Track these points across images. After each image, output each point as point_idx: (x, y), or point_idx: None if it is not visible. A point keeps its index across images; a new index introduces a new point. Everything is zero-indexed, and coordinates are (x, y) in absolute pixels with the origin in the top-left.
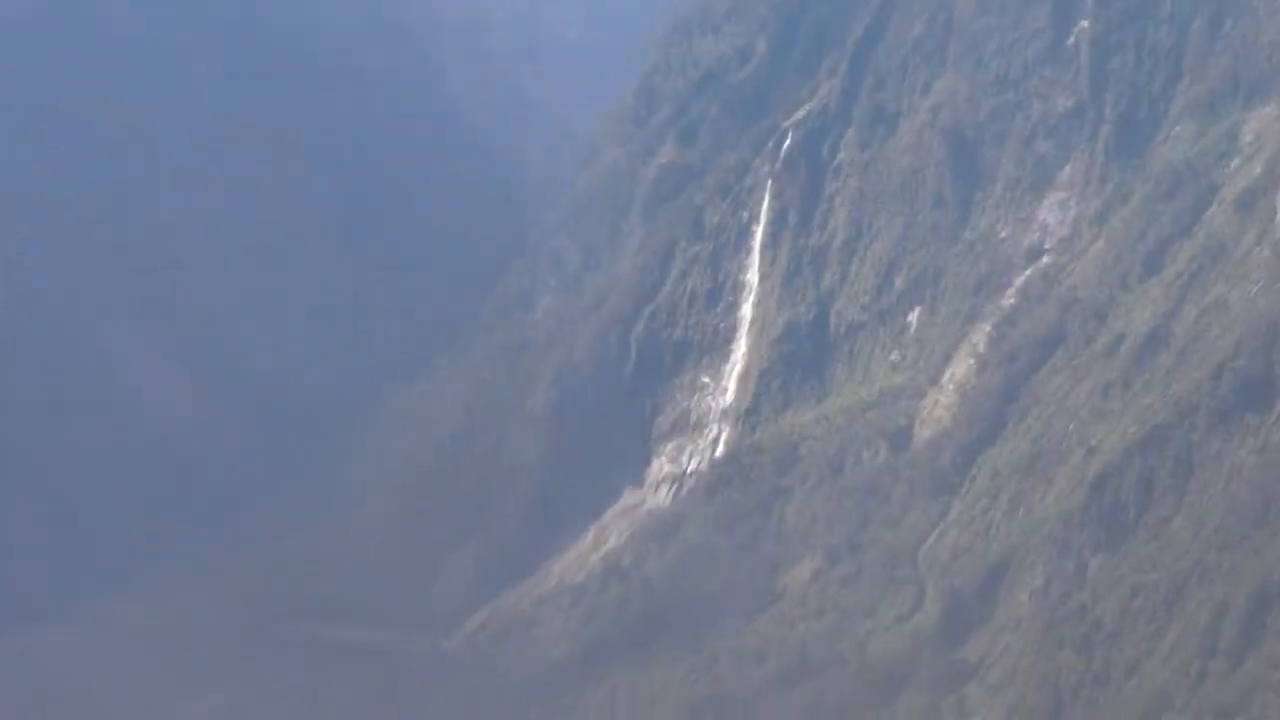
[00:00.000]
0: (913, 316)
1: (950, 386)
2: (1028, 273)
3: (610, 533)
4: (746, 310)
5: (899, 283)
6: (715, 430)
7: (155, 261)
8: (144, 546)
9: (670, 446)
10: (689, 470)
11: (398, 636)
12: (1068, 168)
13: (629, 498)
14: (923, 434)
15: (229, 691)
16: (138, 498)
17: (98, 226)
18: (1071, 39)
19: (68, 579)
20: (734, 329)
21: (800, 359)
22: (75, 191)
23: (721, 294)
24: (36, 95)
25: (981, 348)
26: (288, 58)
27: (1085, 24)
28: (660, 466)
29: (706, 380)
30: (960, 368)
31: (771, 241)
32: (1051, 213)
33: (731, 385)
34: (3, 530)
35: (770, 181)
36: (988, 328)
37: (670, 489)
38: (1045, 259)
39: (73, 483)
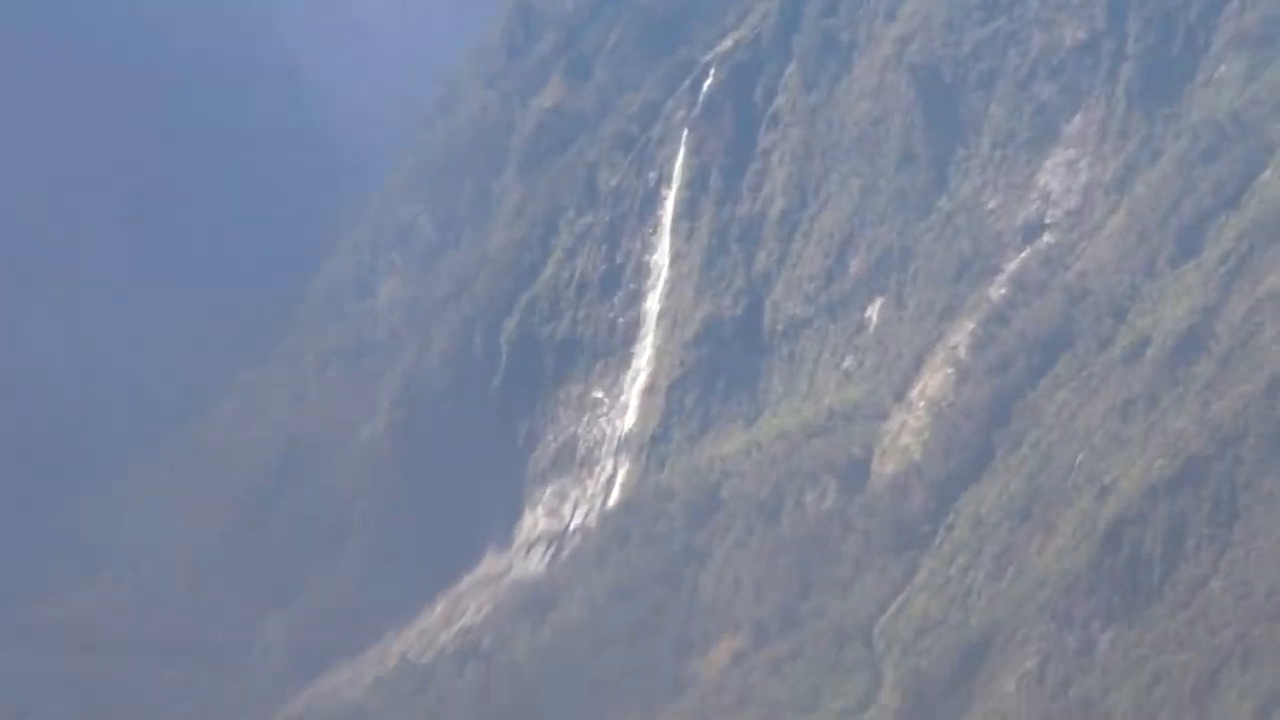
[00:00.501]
0: (872, 311)
1: (921, 405)
2: (1024, 255)
3: (468, 604)
4: (654, 302)
5: (855, 266)
6: (610, 467)
7: None
8: None
9: (549, 492)
10: (572, 526)
11: None
12: (1078, 118)
13: (493, 561)
14: (884, 469)
15: None
16: None
17: None
18: None
19: None
20: (637, 326)
21: (724, 367)
22: None
23: (621, 279)
24: None
25: (962, 353)
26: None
27: None
28: (535, 521)
29: (600, 396)
30: (934, 379)
31: (687, 211)
32: (1055, 177)
33: (633, 403)
34: None
35: (686, 132)
36: (971, 326)
37: (547, 551)
38: (1046, 237)
39: None
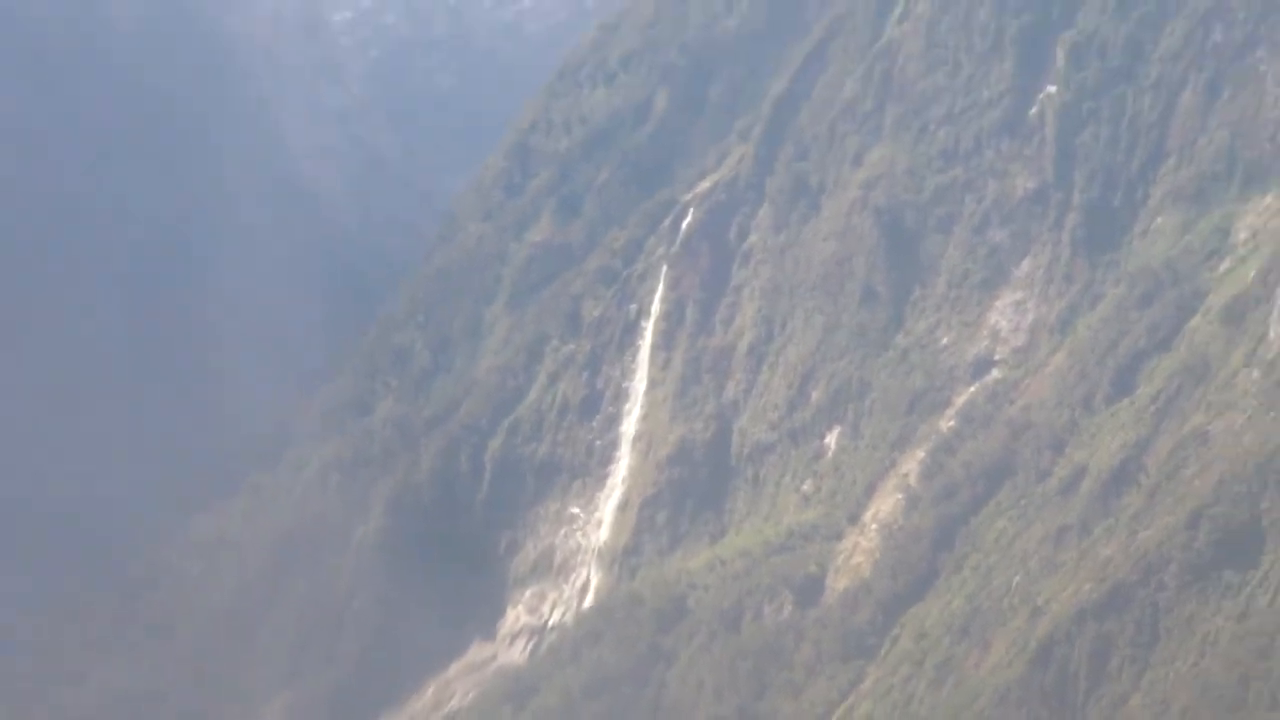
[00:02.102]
0: (831, 439)
1: (873, 527)
2: (972, 389)
3: (455, 690)
4: (630, 425)
5: (816, 396)
6: (585, 575)
7: None
8: None
9: (529, 593)
10: (550, 623)
11: None
12: (1026, 262)
13: (478, 651)
14: (837, 585)
15: None
16: None
17: None
18: (1035, 107)
19: None
20: (613, 448)
21: (694, 488)
22: None
23: (600, 404)
24: None
25: (912, 480)
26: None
27: (1052, 89)
28: (517, 617)
29: (577, 511)
30: (886, 504)
31: (664, 342)
32: (1004, 317)
33: (608, 518)
34: None
35: (665, 267)
36: (921, 455)
37: (528, 644)
38: (994, 373)
39: None
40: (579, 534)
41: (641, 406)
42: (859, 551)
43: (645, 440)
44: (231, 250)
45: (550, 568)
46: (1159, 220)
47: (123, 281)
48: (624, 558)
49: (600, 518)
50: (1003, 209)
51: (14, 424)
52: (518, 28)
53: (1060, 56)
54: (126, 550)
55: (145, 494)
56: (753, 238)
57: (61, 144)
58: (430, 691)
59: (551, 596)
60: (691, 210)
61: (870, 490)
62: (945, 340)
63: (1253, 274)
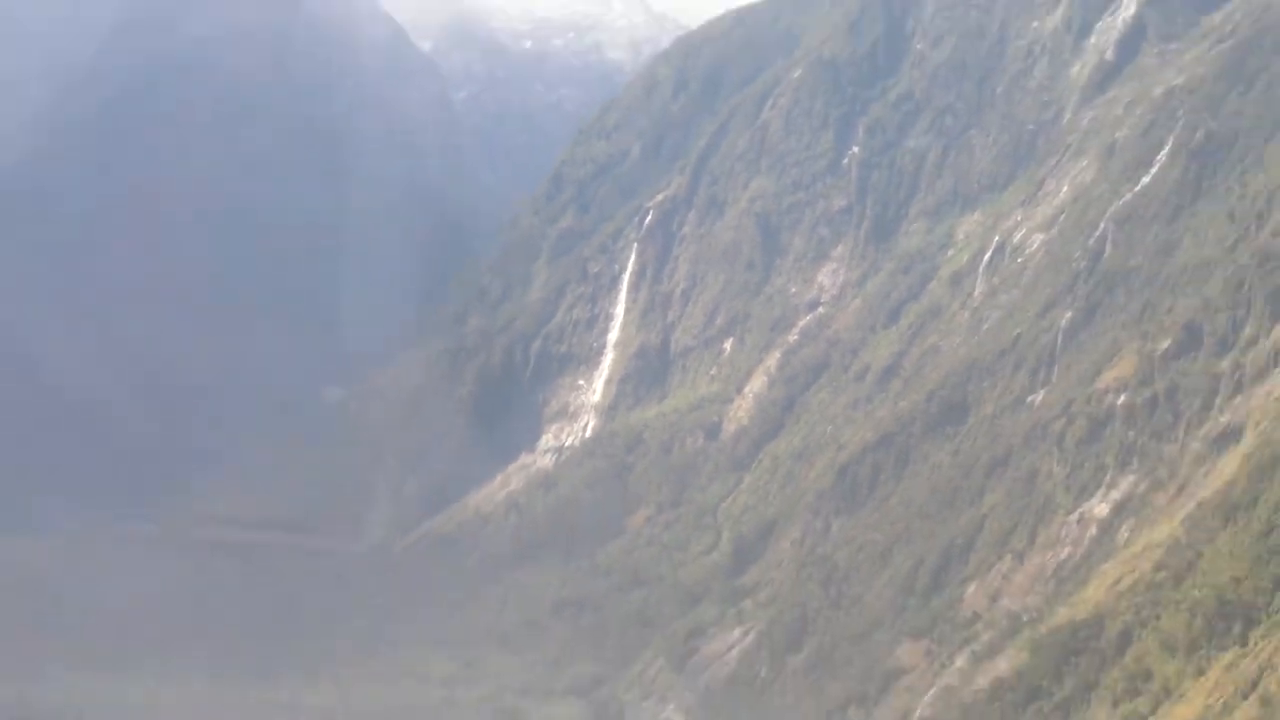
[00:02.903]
0: (727, 345)
1: (750, 395)
2: (807, 319)
3: (511, 481)
4: (613, 335)
5: (719, 321)
6: (586, 419)
7: None
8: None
9: (554, 427)
10: (565, 445)
11: (357, 544)
12: (839, 247)
13: (525, 459)
14: (729, 429)
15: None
16: None
17: None
18: (846, 160)
19: None
20: (603, 348)
21: (648, 372)
22: None
23: (596, 322)
24: None
25: (772, 369)
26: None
27: (855, 150)
28: (546, 441)
29: (582, 383)
30: (757, 383)
31: (634, 286)
32: (826, 278)
33: (599, 388)
34: None
35: (636, 244)
36: (777, 355)
37: (553, 456)
38: (820, 310)
39: None
40: (583, 396)
41: (620, 325)
42: (741, 410)
43: (622, 345)
44: (374, 213)
45: (566, 414)
46: (914, 226)
47: (302, 231)
48: (608, 410)
49: (596, 388)
50: (827, 217)
51: (233, 312)
52: (559, 104)
53: (860, 130)
54: (295, 401)
55: (300, 369)
56: (685, 229)
57: (256, 146)
58: (497, 480)
59: (567, 430)
60: (651, 212)
61: (748, 375)
62: (793, 290)
63: (966, 258)
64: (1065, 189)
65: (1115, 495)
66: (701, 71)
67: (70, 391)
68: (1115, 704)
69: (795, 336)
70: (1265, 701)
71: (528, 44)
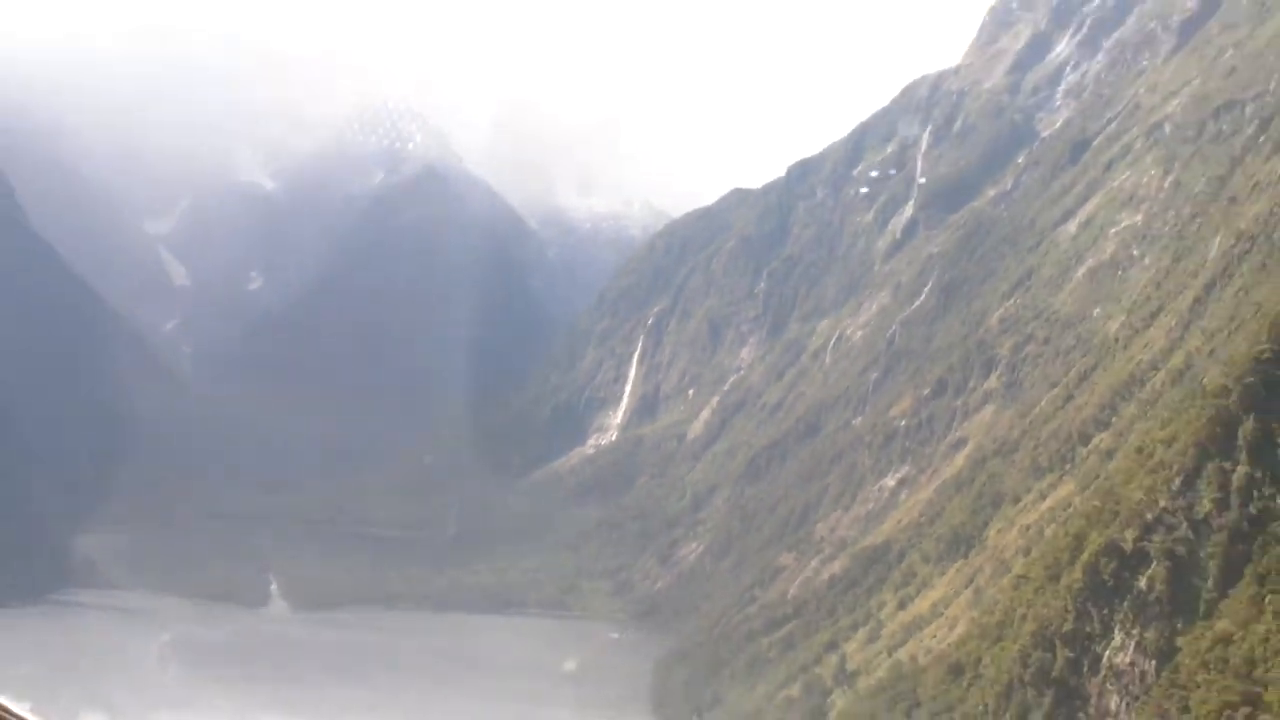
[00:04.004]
0: (690, 393)
1: (701, 421)
2: (733, 378)
3: (573, 460)
4: (628, 387)
5: (685, 380)
6: (612, 431)
7: None
8: None
9: (595, 435)
10: (602, 444)
11: (493, 482)
12: (752, 338)
13: (580, 450)
14: (690, 438)
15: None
16: None
17: None
18: (757, 290)
19: None
20: (622, 394)
21: (646, 408)
22: None
23: (619, 380)
24: None
25: (714, 406)
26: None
27: (762, 285)
28: (592, 440)
29: (610, 412)
30: (705, 414)
31: (640, 361)
32: (745, 355)
33: (620, 415)
34: None
35: (641, 337)
36: (717, 399)
37: (594, 449)
38: (740, 372)
39: None
40: (611, 419)
41: (631, 382)
42: (697, 428)
43: (632, 393)
44: (481, 328)
45: (603, 429)
46: (793, 326)
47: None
48: (624, 427)
49: (618, 415)
50: (746, 322)
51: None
52: (601, 259)
53: (764, 275)
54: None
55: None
56: (668, 327)
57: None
58: (566, 459)
59: (603, 437)
60: (649, 319)
61: (701, 409)
62: (727, 362)
63: (820, 343)
64: (875, 307)
65: (898, 476)
66: (680, 241)
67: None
68: (895, 590)
69: (727, 388)
70: (977, 590)
71: (587, 225)
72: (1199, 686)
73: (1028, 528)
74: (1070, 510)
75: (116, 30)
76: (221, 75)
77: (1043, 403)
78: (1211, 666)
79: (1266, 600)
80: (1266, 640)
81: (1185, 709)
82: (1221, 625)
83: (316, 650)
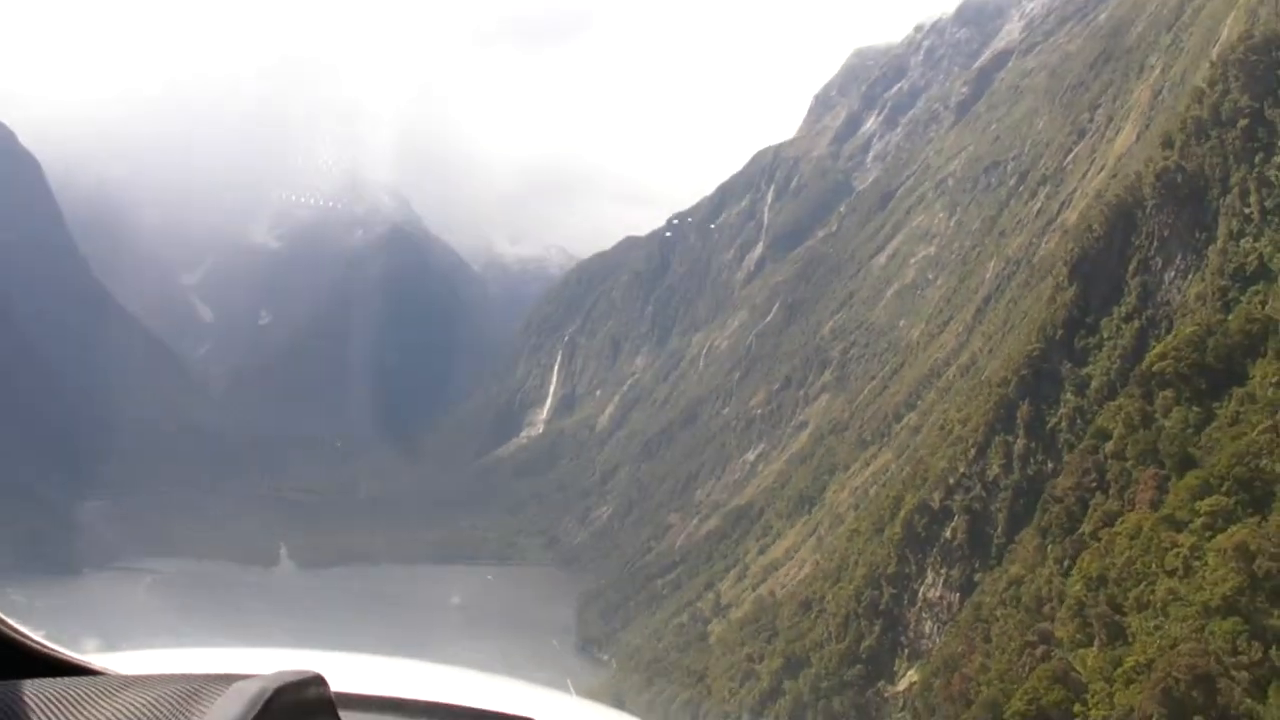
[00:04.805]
0: (597, 393)
1: (607, 415)
2: (629, 381)
3: (511, 446)
4: (551, 389)
5: (594, 384)
6: (540, 424)
7: None
8: None
9: (528, 428)
10: (534, 434)
11: (449, 466)
12: (643, 349)
13: (516, 439)
14: (599, 428)
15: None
16: None
17: None
18: (646, 312)
19: None
20: (546, 396)
21: (565, 406)
22: None
23: (544, 385)
24: None
25: (616, 402)
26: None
27: (650, 308)
28: (525, 432)
29: (537, 410)
30: (609, 409)
31: (560, 369)
32: (638, 363)
33: (545, 412)
34: None
35: (560, 351)
36: (618, 397)
37: (528, 438)
38: (635, 376)
39: None
40: (538, 415)
41: (553, 386)
42: (604, 420)
43: (554, 395)
44: (446, 347)
45: (533, 423)
46: (674, 340)
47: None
48: (549, 421)
49: (544, 412)
50: (637, 336)
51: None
52: (529, 293)
53: (652, 301)
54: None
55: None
56: (580, 342)
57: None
58: (506, 446)
59: (532, 430)
60: (566, 336)
61: (605, 406)
62: (624, 369)
63: (695, 352)
64: (736, 323)
65: (757, 452)
66: (587, 277)
67: None
68: (757, 540)
69: (625, 388)
70: (819, 540)
71: (517, 267)
72: (999, 620)
73: (857, 489)
74: (889, 475)
75: (154, 105)
76: (237, 155)
77: (865, 391)
78: (1008, 603)
79: (1049, 549)
80: (1049, 582)
81: (987, 639)
82: (1014, 569)
83: (309, 598)
